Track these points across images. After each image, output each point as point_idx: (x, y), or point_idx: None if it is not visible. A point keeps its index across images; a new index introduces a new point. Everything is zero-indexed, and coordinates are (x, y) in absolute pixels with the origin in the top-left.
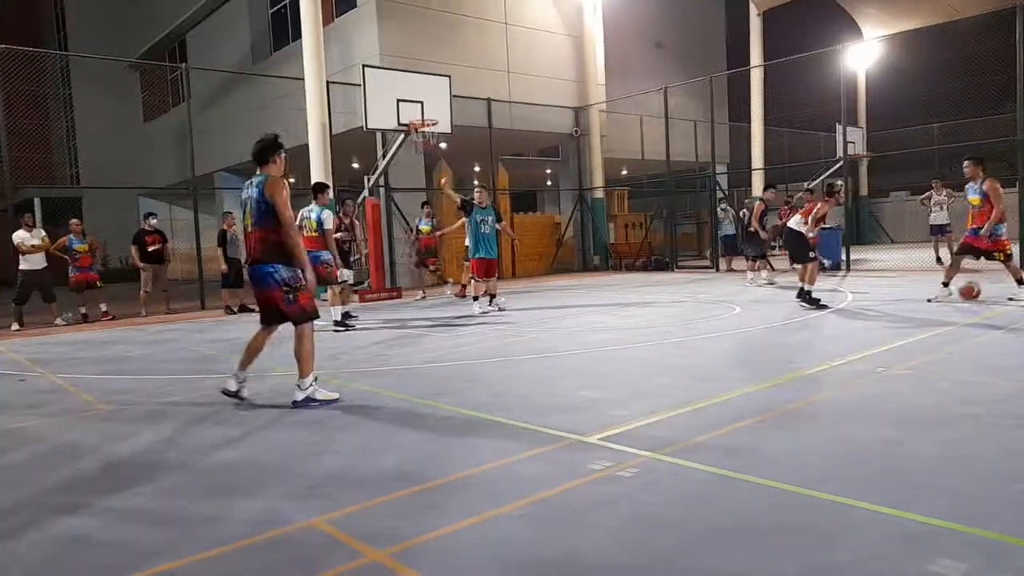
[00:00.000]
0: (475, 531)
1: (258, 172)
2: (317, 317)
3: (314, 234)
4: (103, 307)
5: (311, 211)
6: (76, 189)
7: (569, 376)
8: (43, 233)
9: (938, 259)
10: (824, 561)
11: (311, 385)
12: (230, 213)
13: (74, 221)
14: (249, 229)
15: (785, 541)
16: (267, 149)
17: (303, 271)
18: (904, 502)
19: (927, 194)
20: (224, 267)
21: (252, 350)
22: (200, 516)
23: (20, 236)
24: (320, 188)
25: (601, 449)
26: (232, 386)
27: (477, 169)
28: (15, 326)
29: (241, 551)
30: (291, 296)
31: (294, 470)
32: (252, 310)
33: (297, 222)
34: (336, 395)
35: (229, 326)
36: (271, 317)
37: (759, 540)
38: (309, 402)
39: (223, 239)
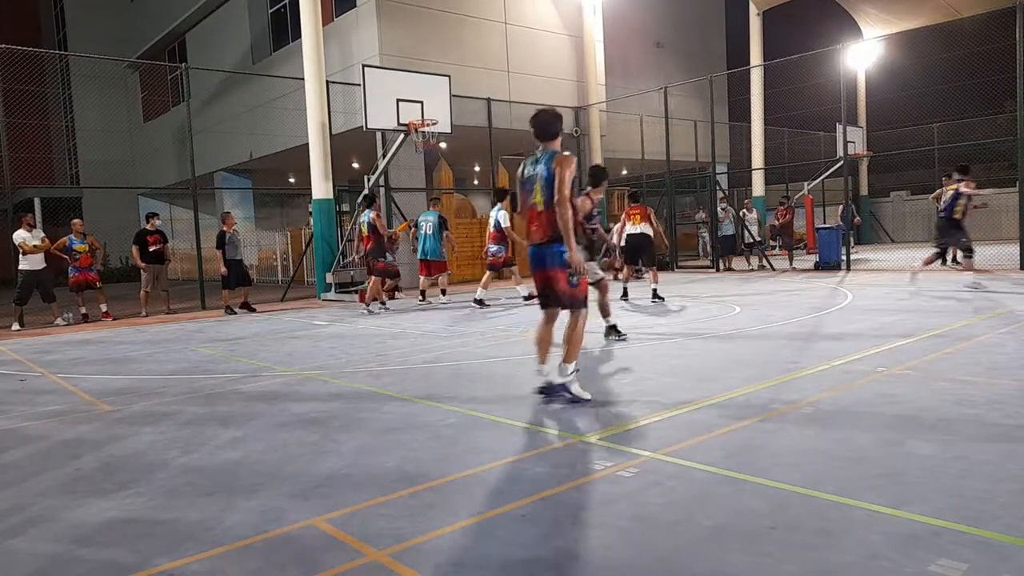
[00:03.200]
0: (475, 531)
1: (540, 148)
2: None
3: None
4: (103, 307)
5: (497, 211)
6: (76, 189)
7: None
8: (43, 234)
9: (944, 260)
10: (824, 561)
11: (572, 374)
12: (229, 213)
13: (76, 221)
14: (540, 208)
15: (785, 541)
16: (556, 120)
17: (570, 251)
18: (904, 502)
19: (938, 191)
20: (223, 269)
21: (543, 343)
22: (200, 516)
23: (21, 236)
24: (501, 195)
25: (601, 449)
26: (557, 379)
27: (477, 169)
28: (15, 326)
29: (241, 551)
30: (575, 279)
31: (294, 470)
32: (253, 309)
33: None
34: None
35: (229, 326)
36: (549, 299)
37: (759, 540)
38: (564, 391)
39: (222, 241)
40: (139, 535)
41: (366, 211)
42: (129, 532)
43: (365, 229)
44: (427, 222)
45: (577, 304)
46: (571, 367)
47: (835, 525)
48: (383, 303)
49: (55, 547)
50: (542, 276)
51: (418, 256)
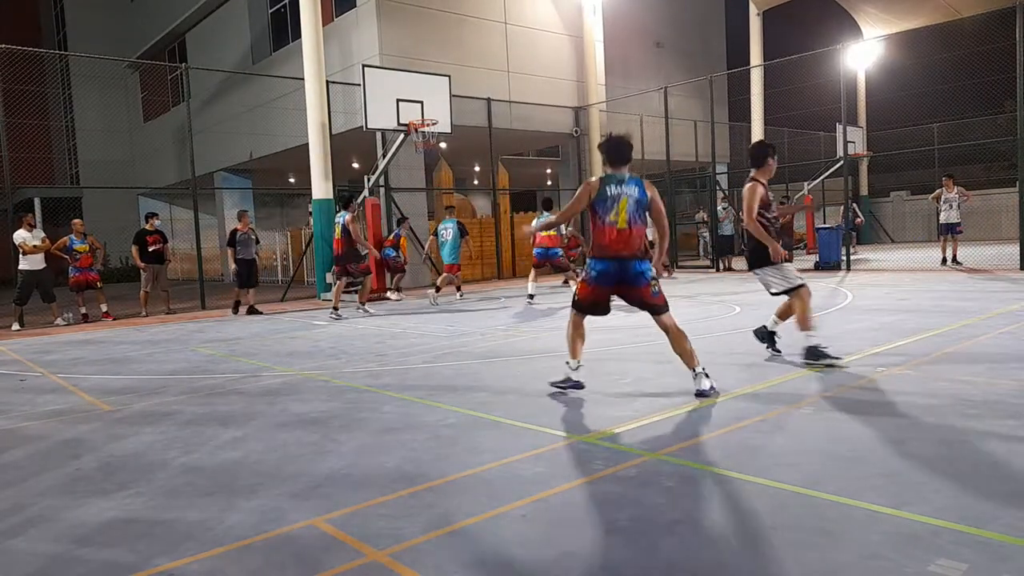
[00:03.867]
0: (475, 531)
1: (622, 171)
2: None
3: (552, 233)
4: (103, 307)
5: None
6: (76, 189)
7: None
8: (43, 234)
9: (944, 260)
10: (824, 561)
11: (702, 370)
12: (245, 212)
13: (76, 221)
14: (622, 226)
15: (785, 541)
16: (630, 146)
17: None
18: (904, 502)
19: (938, 192)
20: (233, 266)
21: (575, 339)
22: (200, 516)
23: (21, 236)
24: (548, 205)
25: (601, 449)
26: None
27: (477, 169)
28: (15, 326)
29: (241, 551)
30: (656, 288)
31: (294, 470)
32: (259, 312)
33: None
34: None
35: (229, 326)
36: (599, 310)
37: (759, 540)
38: (710, 390)
39: (233, 239)
40: (139, 535)
41: (341, 212)
42: (129, 532)
43: (338, 232)
44: (446, 229)
45: (663, 308)
46: (699, 367)
47: (835, 525)
48: (360, 306)
49: (55, 547)
50: (626, 291)
51: (446, 261)
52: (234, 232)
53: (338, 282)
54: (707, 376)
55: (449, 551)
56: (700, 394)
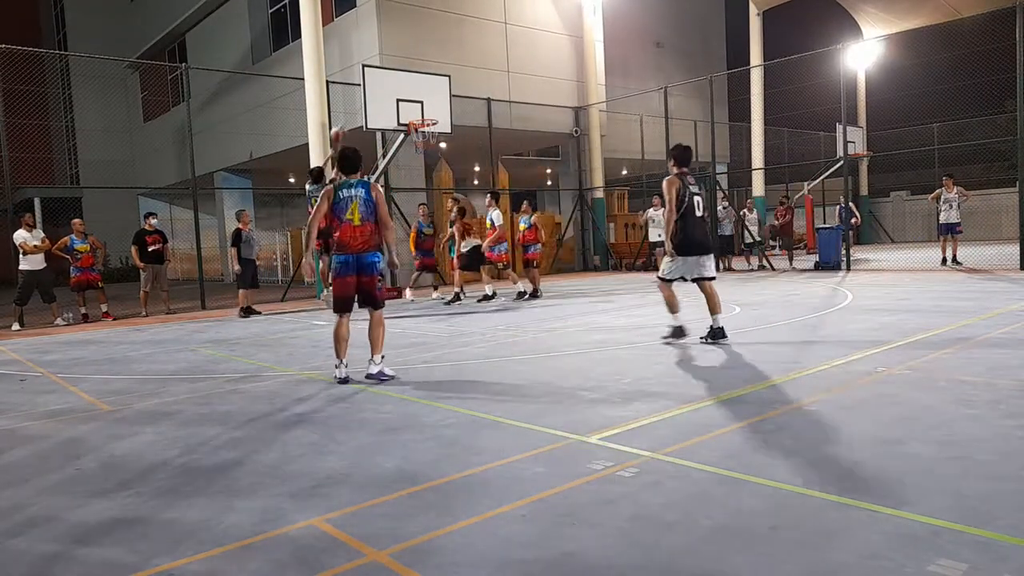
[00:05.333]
0: (475, 531)
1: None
2: None
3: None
4: (104, 307)
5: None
6: (76, 189)
7: (569, 376)
8: (43, 234)
9: (944, 260)
10: (824, 561)
11: (380, 359)
12: (244, 211)
13: (77, 221)
14: (356, 223)
15: (785, 541)
16: (357, 159)
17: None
18: (904, 502)
19: (938, 191)
20: (238, 267)
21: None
22: (200, 516)
23: (21, 236)
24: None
25: (601, 449)
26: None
27: (477, 169)
28: (16, 326)
29: (241, 551)
30: (380, 285)
31: (294, 470)
32: (257, 313)
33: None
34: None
35: (229, 326)
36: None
37: (759, 540)
38: (380, 375)
39: (237, 238)
40: (139, 535)
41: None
42: (129, 532)
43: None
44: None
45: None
46: (379, 356)
47: (835, 525)
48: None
49: (55, 547)
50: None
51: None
52: (238, 232)
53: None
54: (378, 363)
55: (449, 551)
56: (370, 377)
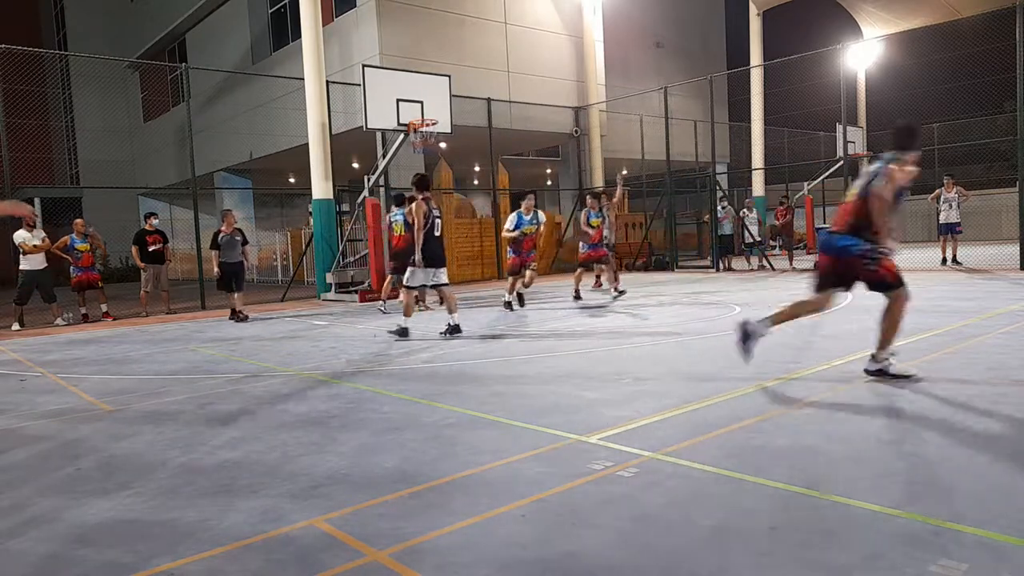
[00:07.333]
0: (475, 531)
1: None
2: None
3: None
4: (104, 307)
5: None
6: (76, 189)
7: (569, 376)
8: (43, 234)
9: (944, 260)
10: (824, 561)
11: (887, 359)
12: (229, 211)
13: (78, 220)
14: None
15: (785, 541)
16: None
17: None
18: (904, 502)
19: (937, 191)
20: (217, 271)
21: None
22: (200, 516)
23: (21, 236)
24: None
25: (601, 449)
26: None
27: (477, 169)
28: (16, 326)
29: (241, 551)
30: (872, 266)
31: (294, 470)
32: (245, 317)
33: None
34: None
35: (229, 326)
36: (830, 283)
37: (759, 540)
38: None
39: (215, 241)
40: (139, 535)
41: (397, 210)
42: (129, 532)
43: (400, 228)
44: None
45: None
46: (886, 353)
47: (835, 525)
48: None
49: (55, 547)
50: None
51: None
52: (216, 234)
53: (389, 277)
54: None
55: (449, 551)
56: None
